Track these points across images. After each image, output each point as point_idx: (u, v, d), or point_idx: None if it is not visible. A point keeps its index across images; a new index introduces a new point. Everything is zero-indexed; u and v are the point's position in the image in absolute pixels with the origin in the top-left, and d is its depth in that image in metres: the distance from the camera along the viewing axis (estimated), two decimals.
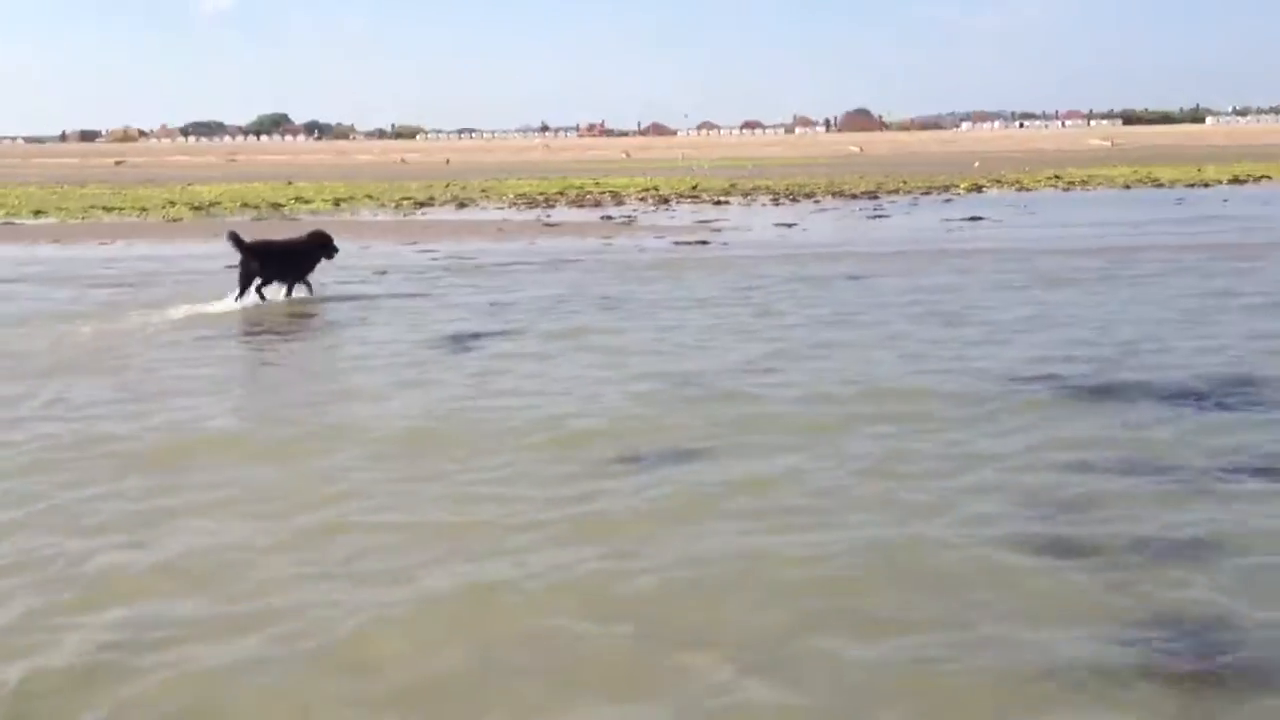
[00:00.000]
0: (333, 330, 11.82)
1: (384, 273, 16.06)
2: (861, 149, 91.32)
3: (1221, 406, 7.39)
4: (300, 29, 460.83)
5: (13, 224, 28.13)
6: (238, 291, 13.03)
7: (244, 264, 13.09)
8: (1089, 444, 6.54)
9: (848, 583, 4.76)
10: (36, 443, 7.03)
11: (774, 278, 14.72)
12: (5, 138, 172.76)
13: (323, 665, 4.14)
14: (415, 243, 21.22)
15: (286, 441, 7.02)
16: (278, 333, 11.45)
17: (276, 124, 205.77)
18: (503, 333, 10.84)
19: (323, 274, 14.05)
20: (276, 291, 13.42)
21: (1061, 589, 4.66)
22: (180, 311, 12.45)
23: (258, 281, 13.13)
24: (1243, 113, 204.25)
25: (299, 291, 13.62)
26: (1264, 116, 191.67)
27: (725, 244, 20.19)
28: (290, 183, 49.53)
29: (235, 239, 13.17)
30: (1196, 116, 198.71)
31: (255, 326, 11.77)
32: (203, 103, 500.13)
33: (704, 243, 20.36)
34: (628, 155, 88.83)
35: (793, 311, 11.88)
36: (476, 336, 10.61)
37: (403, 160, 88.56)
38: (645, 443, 6.76)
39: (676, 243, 20.41)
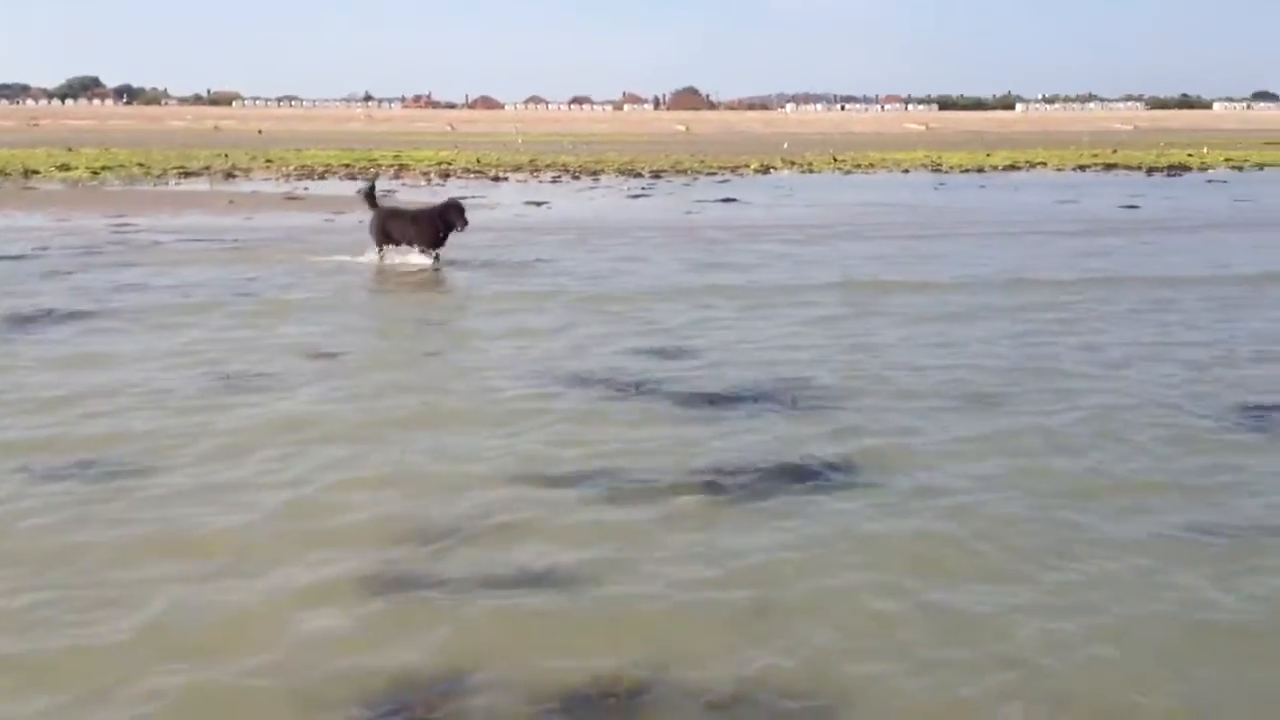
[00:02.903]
0: None
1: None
2: (688, 128, 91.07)
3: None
4: None
5: None
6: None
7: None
8: None
9: None
10: None
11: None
12: None
13: None
14: (121, 215, 19.80)
15: None
16: None
17: (86, 87, 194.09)
18: None
19: None
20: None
21: None
22: None
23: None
24: (1051, 100, 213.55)
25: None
26: (1071, 105, 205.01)
27: None
28: (70, 149, 46.67)
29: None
30: (1007, 103, 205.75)
31: None
32: (7, 64, 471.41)
33: None
34: (452, 128, 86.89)
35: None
36: None
37: (216, 127, 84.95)
38: None
39: None
